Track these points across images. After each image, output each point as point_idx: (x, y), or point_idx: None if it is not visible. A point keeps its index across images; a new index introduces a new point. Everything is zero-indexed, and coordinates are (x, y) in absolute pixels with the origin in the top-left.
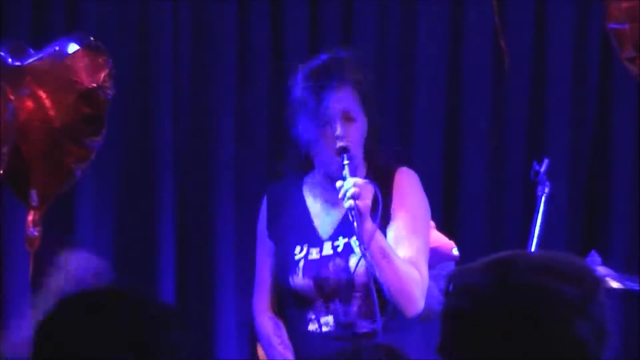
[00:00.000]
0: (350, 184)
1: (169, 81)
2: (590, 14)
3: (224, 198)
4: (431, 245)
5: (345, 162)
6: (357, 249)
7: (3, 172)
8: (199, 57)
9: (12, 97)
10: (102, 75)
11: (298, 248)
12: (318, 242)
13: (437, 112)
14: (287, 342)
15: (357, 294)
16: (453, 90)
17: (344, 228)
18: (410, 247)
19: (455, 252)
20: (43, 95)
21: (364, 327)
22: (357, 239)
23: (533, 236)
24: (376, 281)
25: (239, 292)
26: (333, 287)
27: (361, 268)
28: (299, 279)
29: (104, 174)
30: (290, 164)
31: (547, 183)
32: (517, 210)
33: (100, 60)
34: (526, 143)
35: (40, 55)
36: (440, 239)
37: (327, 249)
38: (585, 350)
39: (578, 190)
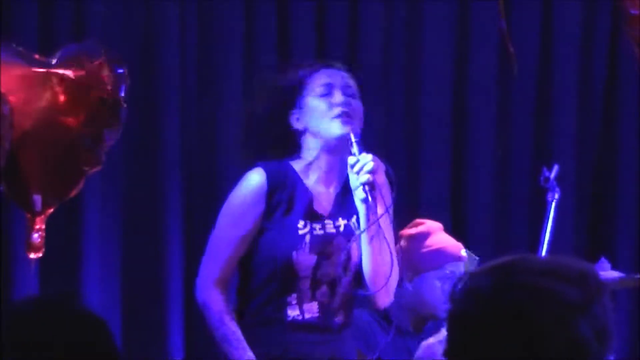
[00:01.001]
0: (368, 158)
1: (175, 82)
2: (598, 19)
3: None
4: (438, 246)
5: (354, 139)
6: (356, 232)
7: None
8: (205, 58)
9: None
10: (123, 86)
11: (301, 223)
12: (319, 219)
13: (443, 116)
14: (235, 317)
15: (342, 285)
16: (459, 94)
17: (341, 208)
18: (389, 237)
19: (464, 253)
20: (62, 99)
21: (340, 319)
22: (365, 214)
23: (543, 242)
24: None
25: None
26: (330, 269)
27: (357, 252)
28: (304, 254)
29: (111, 175)
30: (276, 151)
31: (557, 189)
32: (524, 215)
33: (121, 71)
34: (533, 149)
35: (62, 58)
36: (448, 240)
37: (330, 227)
38: (587, 351)
39: (585, 196)
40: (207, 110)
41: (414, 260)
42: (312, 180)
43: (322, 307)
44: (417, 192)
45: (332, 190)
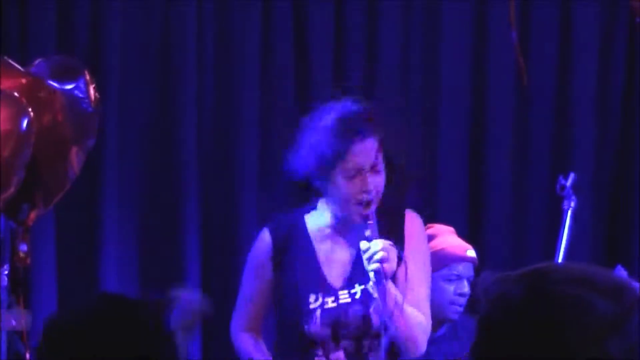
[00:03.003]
0: (378, 247)
1: (192, 85)
2: (616, 28)
3: (247, 200)
4: (442, 247)
5: (370, 221)
6: (375, 295)
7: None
8: (222, 58)
9: (30, 109)
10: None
11: (313, 297)
12: (332, 291)
13: (460, 123)
14: (268, 354)
15: (367, 337)
16: (477, 101)
17: (357, 274)
18: (418, 293)
19: (470, 253)
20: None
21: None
22: (379, 297)
23: (559, 250)
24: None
25: None
26: (350, 332)
27: (376, 315)
28: (316, 327)
29: (128, 177)
30: (293, 200)
31: (574, 197)
32: (540, 224)
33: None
34: (550, 156)
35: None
36: (452, 242)
37: (344, 297)
38: None
39: (602, 205)
40: (225, 113)
41: None
42: (325, 242)
43: (348, 354)
44: (433, 198)
45: (348, 252)
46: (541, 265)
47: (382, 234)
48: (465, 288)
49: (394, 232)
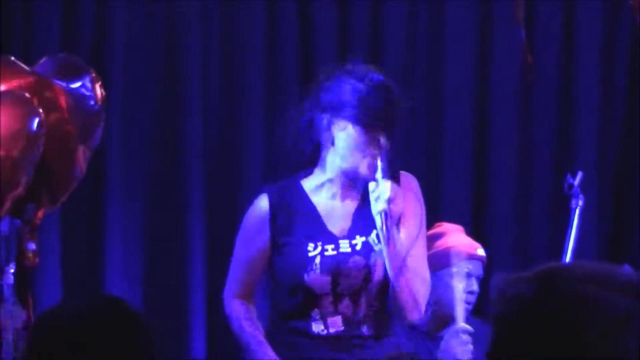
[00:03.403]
0: (386, 188)
1: (197, 83)
2: (619, 27)
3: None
4: (450, 245)
5: (380, 163)
6: (376, 247)
7: None
8: (227, 59)
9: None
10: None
11: (311, 245)
12: (332, 240)
13: (465, 123)
14: (257, 324)
15: (366, 296)
16: (481, 101)
17: (358, 226)
18: (417, 252)
19: (480, 252)
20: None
21: (368, 330)
22: (383, 241)
23: (567, 249)
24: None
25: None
26: (350, 284)
27: (380, 267)
28: (315, 275)
29: (133, 176)
30: (298, 162)
31: (581, 196)
32: (545, 223)
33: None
34: (554, 156)
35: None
36: (460, 240)
37: (345, 247)
38: None
39: (606, 204)
40: (230, 112)
41: (431, 259)
42: (324, 197)
43: (346, 320)
44: (437, 198)
45: (349, 206)
46: (553, 265)
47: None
48: (474, 286)
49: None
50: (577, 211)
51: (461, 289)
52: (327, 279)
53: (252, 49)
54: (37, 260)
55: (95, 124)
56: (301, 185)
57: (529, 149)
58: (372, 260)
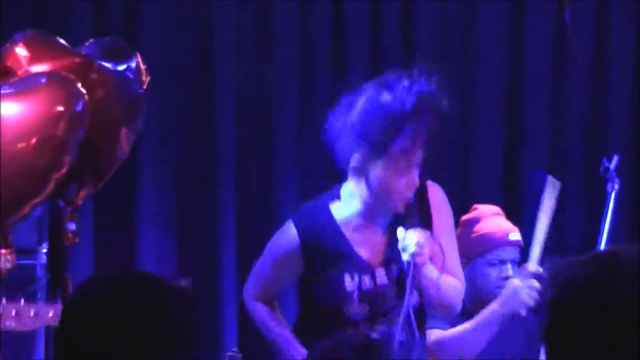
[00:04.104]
0: (412, 241)
1: (230, 72)
2: None
3: (284, 185)
4: (485, 231)
5: (408, 213)
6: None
7: None
8: (261, 50)
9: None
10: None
11: (348, 278)
12: (368, 269)
13: (498, 106)
14: (283, 322)
15: (402, 315)
16: (514, 84)
17: (393, 254)
18: (450, 260)
19: (513, 236)
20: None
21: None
22: (407, 286)
23: (602, 232)
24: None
25: None
26: (387, 309)
27: (415, 291)
28: (354, 307)
29: (167, 161)
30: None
31: (617, 180)
32: (578, 207)
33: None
34: (587, 140)
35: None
36: (495, 225)
37: (382, 277)
38: None
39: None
40: (263, 109)
41: (464, 246)
42: (356, 227)
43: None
44: (470, 182)
45: (382, 236)
46: (608, 248)
47: (420, 220)
48: (509, 271)
49: (420, 204)
50: (613, 195)
51: (495, 275)
52: (366, 308)
53: (286, 41)
54: (77, 240)
55: (139, 107)
56: (331, 214)
57: (562, 133)
58: (408, 286)
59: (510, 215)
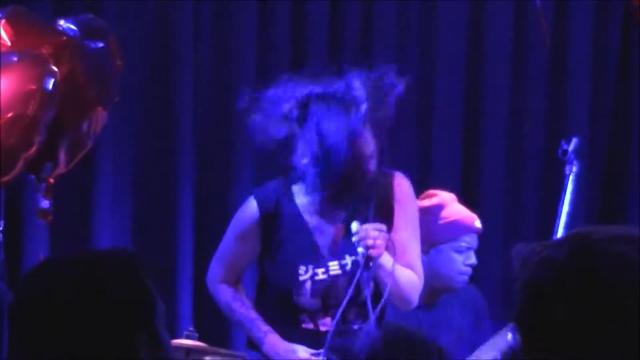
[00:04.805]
0: (367, 234)
1: (189, 71)
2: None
3: (241, 165)
4: (454, 218)
5: (365, 205)
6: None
7: None
8: (219, 53)
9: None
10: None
11: (302, 268)
12: (323, 262)
13: (456, 92)
14: (247, 302)
15: (356, 305)
16: (473, 68)
17: (347, 246)
18: (410, 254)
19: (478, 224)
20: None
21: (358, 324)
22: (361, 278)
23: (560, 215)
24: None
25: None
26: (339, 301)
27: (369, 282)
28: (305, 298)
29: (123, 167)
30: (285, 172)
31: (576, 162)
32: (536, 190)
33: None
34: (546, 123)
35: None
36: (462, 212)
37: (334, 269)
38: None
39: (597, 169)
40: (221, 105)
41: (430, 232)
42: (315, 213)
43: (336, 320)
44: (429, 166)
45: (338, 224)
46: (581, 229)
47: (379, 212)
48: (473, 259)
49: (382, 195)
50: (572, 177)
51: (461, 261)
52: (317, 301)
53: (244, 39)
54: (50, 218)
55: (113, 86)
56: (293, 195)
57: (521, 115)
58: (360, 278)
59: (469, 202)
